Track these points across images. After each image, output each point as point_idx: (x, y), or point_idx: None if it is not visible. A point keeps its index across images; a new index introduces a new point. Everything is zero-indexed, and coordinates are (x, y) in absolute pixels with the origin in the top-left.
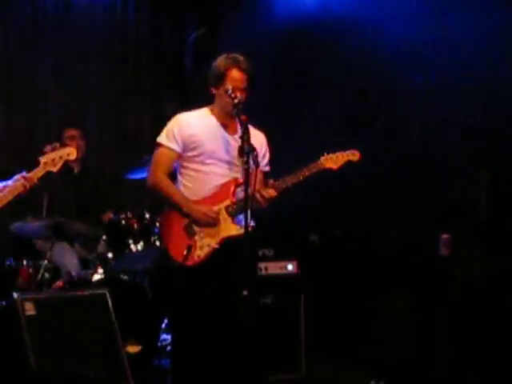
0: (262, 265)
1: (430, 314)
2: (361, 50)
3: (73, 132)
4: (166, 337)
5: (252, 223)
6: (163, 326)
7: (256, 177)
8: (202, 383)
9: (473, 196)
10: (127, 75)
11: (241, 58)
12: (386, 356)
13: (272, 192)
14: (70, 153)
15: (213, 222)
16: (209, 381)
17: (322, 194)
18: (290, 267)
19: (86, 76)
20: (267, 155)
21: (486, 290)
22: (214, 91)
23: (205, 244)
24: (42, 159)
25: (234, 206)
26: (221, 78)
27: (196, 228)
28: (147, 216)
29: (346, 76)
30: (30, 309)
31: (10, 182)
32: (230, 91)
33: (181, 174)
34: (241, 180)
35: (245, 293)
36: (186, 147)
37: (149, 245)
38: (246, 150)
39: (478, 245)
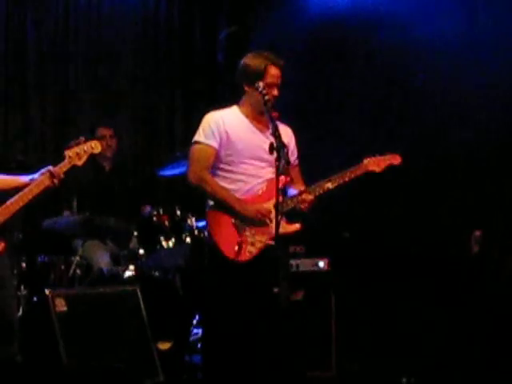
0: (293, 262)
1: (461, 313)
2: (394, 47)
3: (104, 131)
4: (197, 331)
5: (298, 224)
6: (194, 322)
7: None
8: (233, 380)
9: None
10: (159, 72)
11: (274, 55)
12: (416, 354)
13: (307, 196)
14: (95, 146)
15: (266, 221)
16: (240, 378)
17: (355, 192)
18: (321, 264)
19: (118, 72)
20: (295, 150)
21: None
22: (247, 88)
23: (257, 240)
24: (67, 153)
25: (284, 204)
26: (258, 74)
27: (246, 224)
28: (178, 213)
29: (378, 74)
30: (61, 305)
31: (36, 176)
32: (261, 88)
33: (214, 174)
34: (288, 178)
35: (275, 290)
36: (222, 145)
37: (180, 241)
38: (277, 147)
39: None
